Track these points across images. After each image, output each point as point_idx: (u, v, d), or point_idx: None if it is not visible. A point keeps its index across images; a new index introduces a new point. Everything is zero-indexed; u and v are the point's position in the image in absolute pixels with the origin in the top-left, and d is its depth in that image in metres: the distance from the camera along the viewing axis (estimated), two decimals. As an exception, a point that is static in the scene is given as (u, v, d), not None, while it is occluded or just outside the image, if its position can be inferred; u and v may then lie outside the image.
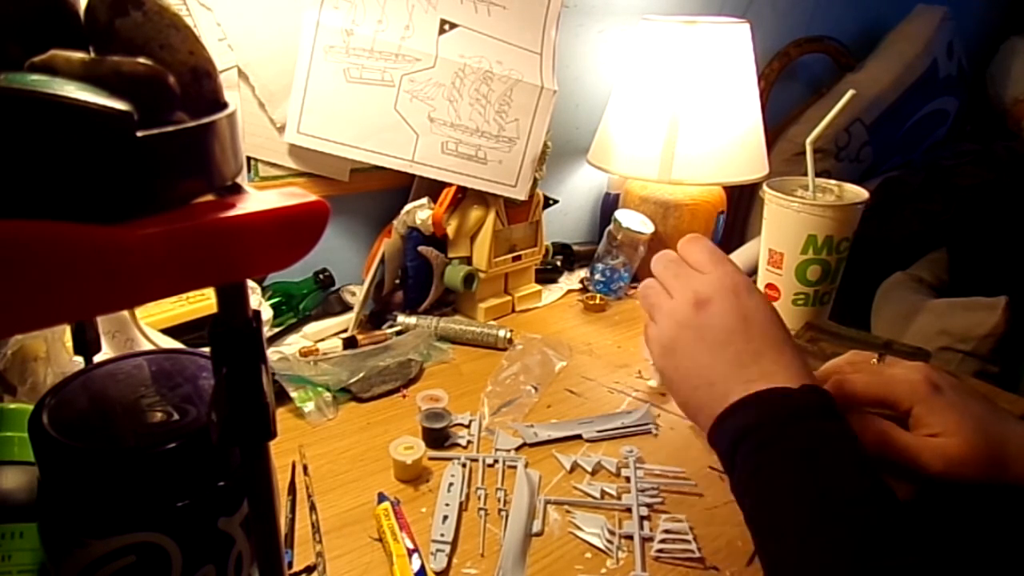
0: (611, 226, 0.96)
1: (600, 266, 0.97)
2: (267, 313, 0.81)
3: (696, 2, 1.22)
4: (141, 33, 0.26)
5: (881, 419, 0.62)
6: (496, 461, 0.62)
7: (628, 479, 0.60)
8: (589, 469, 0.62)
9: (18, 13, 0.26)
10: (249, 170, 0.84)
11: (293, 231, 0.27)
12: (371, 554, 0.52)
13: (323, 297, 0.89)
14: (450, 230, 0.86)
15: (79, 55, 0.24)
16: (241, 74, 0.80)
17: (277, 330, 0.83)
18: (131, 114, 0.23)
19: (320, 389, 0.70)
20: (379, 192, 0.94)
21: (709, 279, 0.57)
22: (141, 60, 0.25)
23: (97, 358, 0.39)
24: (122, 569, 0.32)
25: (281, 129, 0.83)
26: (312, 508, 0.56)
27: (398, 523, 0.53)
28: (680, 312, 0.57)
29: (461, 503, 0.57)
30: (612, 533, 0.54)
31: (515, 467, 0.61)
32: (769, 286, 0.89)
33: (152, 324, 0.67)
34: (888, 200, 1.38)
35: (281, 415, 0.68)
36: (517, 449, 0.64)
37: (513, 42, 0.84)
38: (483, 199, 0.87)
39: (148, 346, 0.63)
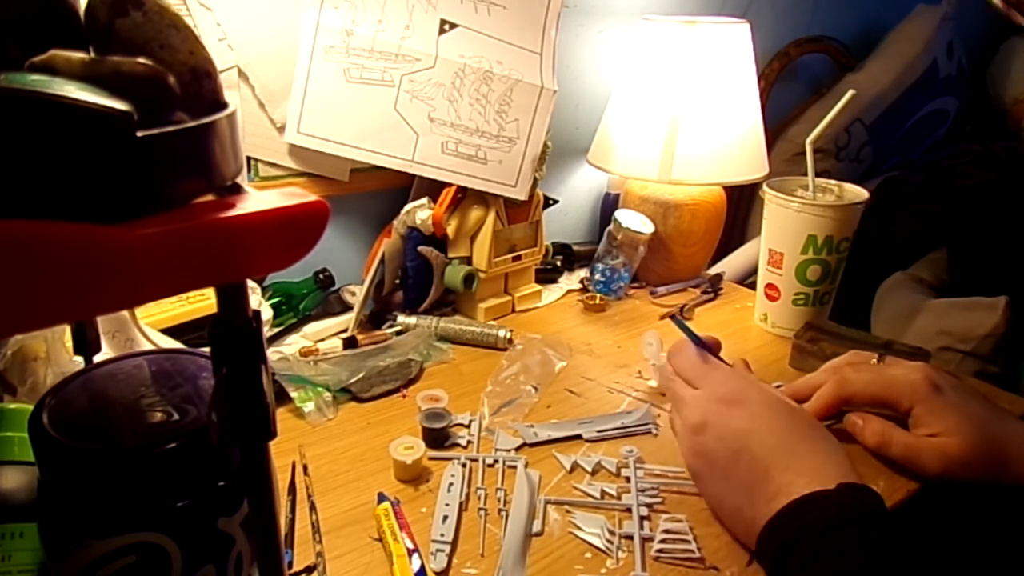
0: (611, 226, 0.96)
1: (600, 266, 0.97)
2: (267, 313, 0.81)
3: (696, 2, 1.22)
4: (141, 33, 0.26)
5: (881, 419, 0.62)
6: (496, 461, 0.62)
7: (628, 479, 0.60)
8: (589, 469, 0.62)
9: (18, 13, 0.26)
10: (249, 170, 0.84)
11: (293, 231, 0.27)
12: (371, 554, 0.52)
13: (323, 297, 0.89)
14: (450, 230, 0.86)
15: (79, 55, 0.24)
16: (241, 74, 0.80)
17: (277, 330, 0.83)
18: (131, 114, 0.23)
19: (320, 389, 0.70)
20: (379, 192, 0.94)
21: (699, 399, 0.57)
22: (141, 60, 0.25)
23: (97, 358, 0.39)
24: (122, 569, 0.32)
25: (281, 129, 0.83)
26: (312, 508, 0.56)
27: (398, 523, 0.53)
28: (688, 440, 0.57)
29: (461, 503, 0.57)
30: (612, 533, 0.54)
31: (515, 467, 0.61)
32: (769, 286, 0.89)
33: (152, 324, 0.67)
34: (888, 200, 1.38)
35: (281, 415, 0.68)
36: (517, 449, 0.64)
37: (513, 42, 0.84)
38: (483, 199, 0.87)
39: (148, 346, 0.63)
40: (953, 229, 1.33)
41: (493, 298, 0.91)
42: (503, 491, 0.59)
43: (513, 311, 0.93)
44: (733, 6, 1.28)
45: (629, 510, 0.57)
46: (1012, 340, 1.05)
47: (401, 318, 0.85)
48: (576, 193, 1.19)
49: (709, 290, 1.00)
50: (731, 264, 1.22)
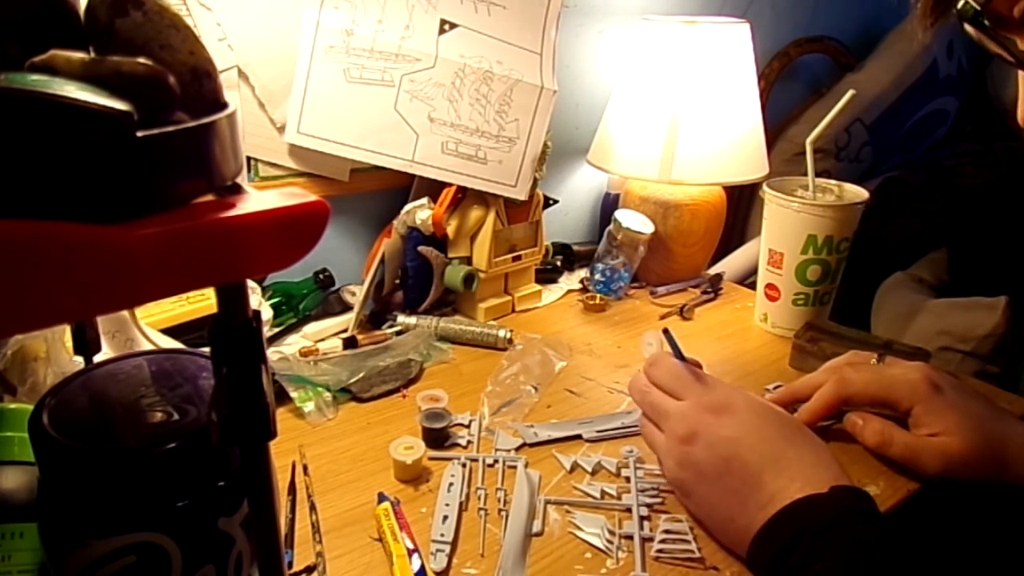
0: (611, 226, 0.96)
1: (600, 266, 0.97)
2: (267, 313, 0.81)
3: (696, 2, 1.22)
4: (141, 33, 0.26)
5: (881, 419, 0.62)
6: (496, 461, 0.62)
7: (628, 479, 0.60)
8: (589, 469, 0.62)
9: (18, 13, 0.26)
10: (249, 170, 0.84)
11: (293, 231, 0.27)
12: (371, 554, 0.52)
13: (323, 297, 0.89)
14: (450, 230, 0.86)
15: (79, 55, 0.24)
16: (241, 74, 0.80)
17: (277, 330, 0.83)
18: (131, 114, 0.23)
19: (320, 389, 0.70)
20: (379, 192, 0.94)
21: (685, 408, 0.56)
22: (141, 60, 0.25)
23: (97, 358, 0.39)
24: (122, 569, 0.32)
25: (281, 129, 0.83)
26: (312, 508, 0.56)
27: (398, 523, 0.53)
28: (674, 452, 0.56)
29: (461, 503, 0.57)
30: (612, 533, 0.54)
31: (515, 467, 0.61)
32: (769, 286, 0.89)
33: (152, 324, 0.67)
34: (888, 200, 1.38)
35: (281, 415, 0.68)
36: (517, 449, 0.64)
37: (513, 42, 0.84)
38: (483, 199, 0.87)
39: (148, 346, 0.63)
40: (953, 229, 1.33)
41: (493, 298, 0.91)
42: (503, 491, 0.59)
43: (513, 311, 0.93)
44: (733, 6, 1.28)
45: (629, 510, 0.57)
46: (1012, 340, 1.05)
47: (401, 318, 0.85)
48: (576, 193, 1.19)
49: (709, 290, 1.00)
50: (731, 264, 1.22)
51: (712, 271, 1.06)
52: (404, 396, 0.73)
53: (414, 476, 0.60)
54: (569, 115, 1.12)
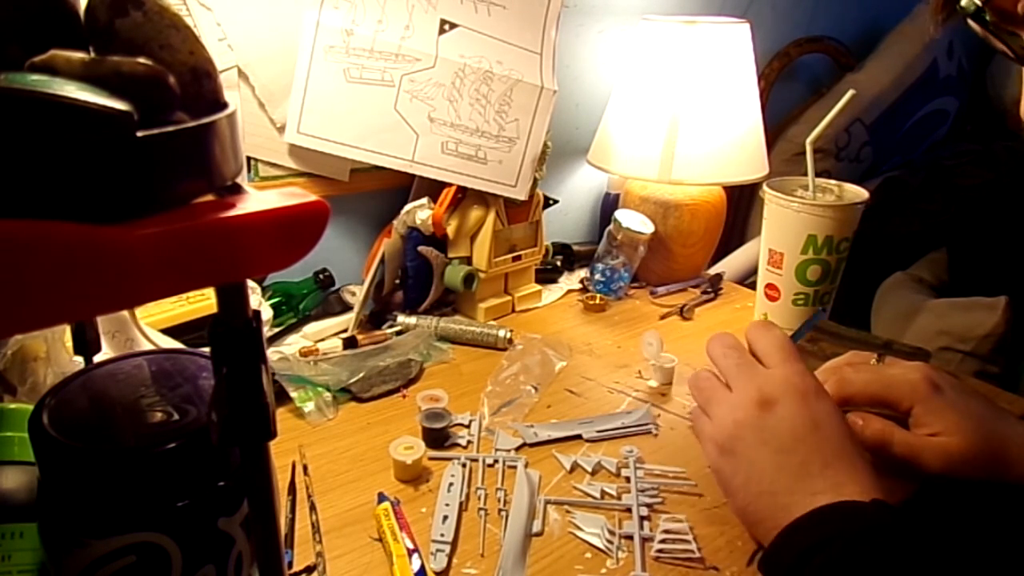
0: (611, 226, 0.96)
1: (600, 266, 0.97)
2: (267, 313, 0.81)
3: (696, 2, 1.22)
4: (141, 33, 0.26)
5: (881, 419, 0.62)
6: (496, 461, 0.62)
7: (628, 479, 0.60)
8: (589, 469, 0.62)
9: (18, 13, 0.26)
10: (249, 170, 0.84)
11: (293, 231, 0.27)
12: (371, 554, 0.52)
13: (323, 297, 0.89)
14: (450, 230, 0.86)
15: (79, 55, 0.24)
16: (241, 74, 0.80)
17: (277, 330, 0.83)
18: (131, 114, 0.23)
19: (320, 389, 0.70)
20: (379, 192, 0.94)
21: (776, 376, 0.54)
22: (141, 60, 0.25)
23: (97, 358, 0.39)
24: (122, 569, 0.32)
25: (281, 129, 0.83)
26: (312, 508, 0.56)
27: (398, 523, 0.53)
28: (741, 410, 0.53)
29: (461, 503, 0.57)
30: (612, 533, 0.54)
31: (515, 467, 0.61)
32: (769, 286, 0.89)
33: (152, 324, 0.67)
34: (888, 200, 1.38)
35: (281, 415, 0.68)
36: (517, 449, 0.64)
37: (513, 42, 0.84)
38: (483, 199, 0.87)
39: (148, 346, 0.63)
40: (953, 229, 1.33)
41: (493, 298, 0.91)
42: (503, 491, 0.59)
43: (513, 311, 0.93)
44: (733, 6, 1.28)
45: (629, 510, 0.57)
46: (1012, 340, 1.05)
47: (401, 318, 0.85)
48: (576, 193, 1.19)
49: (709, 290, 1.00)
50: (731, 264, 1.22)
51: (712, 271, 1.06)
52: (404, 396, 0.73)
53: (414, 476, 0.60)
54: (569, 115, 1.12)
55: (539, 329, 0.88)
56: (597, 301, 0.94)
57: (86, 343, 0.38)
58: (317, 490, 0.58)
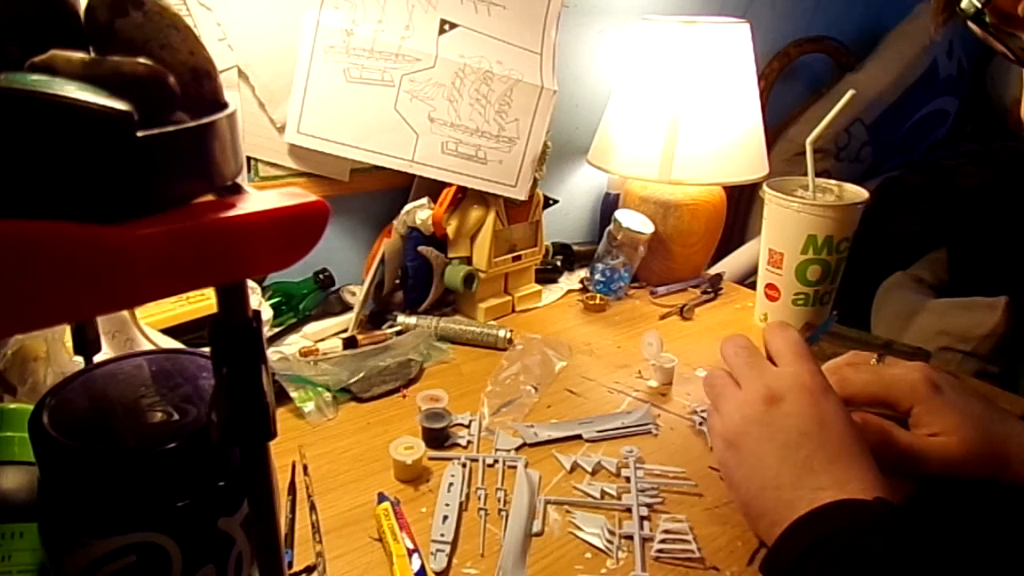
0: (611, 226, 0.96)
1: (600, 266, 0.97)
2: (267, 313, 0.81)
3: (696, 2, 1.22)
4: (141, 33, 0.26)
5: (881, 419, 0.62)
6: (496, 461, 0.62)
7: (628, 479, 0.60)
8: (589, 469, 0.62)
9: (18, 13, 0.26)
10: (249, 170, 0.84)
11: (293, 231, 0.27)
12: (371, 554, 0.52)
13: (323, 297, 0.89)
14: (450, 230, 0.86)
15: (79, 55, 0.24)
16: (241, 74, 0.80)
17: (277, 330, 0.83)
18: (131, 114, 0.23)
19: (320, 389, 0.70)
20: (379, 192, 0.94)
21: (785, 374, 0.55)
22: (141, 60, 0.25)
23: (97, 358, 0.39)
24: (122, 569, 0.32)
25: (281, 129, 0.83)
26: (312, 508, 0.56)
27: (398, 523, 0.53)
28: (750, 405, 0.54)
29: (461, 503, 0.57)
30: (612, 533, 0.54)
31: (515, 467, 0.61)
32: (769, 286, 0.89)
33: (152, 324, 0.67)
34: (888, 200, 1.38)
35: (281, 415, 0.68)
36: (517, 449, 0.64)
37: (513, 42, 0.84)
38: (483, 199, 0.87)
39: (148, 346, 0.63)
40: (953, 229, 1.33)
41: (493, 298, 0.91)
42: (503, 491, 0.59)
43: (513, 311, 0.93)
44: (733, 6, 1.28)
45: (629, 510, 0.57)
46: (1012, 340, 1.05)
47: (401, 318, 0.85)
48: (576, 193, 1.19)
49: (709, 290, 1.00)
50: (731, 264, 1.22)
51: (712, 271, 1.06)
52: (404, 396, 0.73)
53: (414, 476, 0.60)
54: (569, 115, 1.12)
55: (539, 329, 0.88)
56: (597, 301, 0.94)
57: (86, 343, 0.38)
58: (317, 490, 0.58)
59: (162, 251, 0.24)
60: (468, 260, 0.88)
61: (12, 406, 0.44)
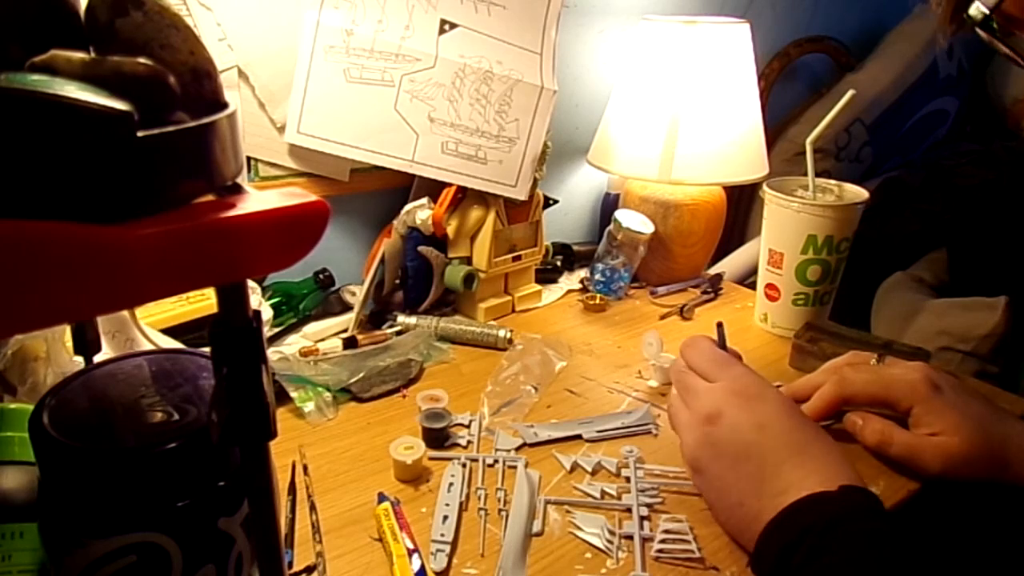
0: (611, 226, 0.96)
1: (600, 266, 0.97)
2: (267, 313, 0.81)
3: (696, 2, 1.22)
4: (141, 33, 0.26)
5: (881, 418, 0.62)
6: (496, 461, 0.62)
7: (628, 479, 0.60)
8: (589, 469, 0.62)
9: (18, 13, 0.26)
10: (249, 170, 0.84)
11: (293, 231, 0.27)
12: (371, 554, 0.52)
13: (323, 297, 0.89)
14: (450, 230, 0.86)
15: (79, 55, 0.24)
16: (241, 74, 0.80)
17: (277, 330, 0.83)
18: (131, 114, 0.23)
19: (320, 389, 0.70)
20: (379, 192, 0.94)
21: (716, 389, 0.56)
22: (141, 60, 0.25)
23: (97, 358, 0.39)
24: (122, 569, 0.32)
25: (281, 129, 0.83)
26: (312, 508, 0.56)
27: (398, 523, 0.53)
28: (696, 429, 0.56)
29: (461, 503, 0.57)
30: (612, 533, 0.54)
31: (515, 467, 0.61)
32: (769, 286, 0.89)
33: (152, 324, 0.67)
34: (888, 200, 1.38)
35: (281, 415, 0.68)
36: (517, 449, 0.64)
37: (513, 42, 0.84)
38: (483, 199, 0.87)
39: (148, 346, 0.63)
40: (953, 229, 1.33)
41: (493, 298, 0.91)
42: (503, 491, 0.59)
43: (513, 311, 0.93)
44: (733, 6, 1.28)
45: (629, 510, 0.57)
46: (1012, 340, 1.05)
47: (401, 318, 0.85)
48: (576, 193, 1.19)
49: (709, 290, 1.00)
50: (731, 264, 1.22)
51: (712, 271, 1.06)
52: (404, 396, 0.73)
53: (414, 476, 0.60)
54: (569, 115, 1.12)
55: (539, 329, 0.88)
56: (597, 301, 0.94)
57: (86, 343, 0.38)
58: (317, 490, 0.58)
59: (162, 251, 0.24)
60: (468, 260, 0.88)
61: (12, 406, 0.44)
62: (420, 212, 0.85)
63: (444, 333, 0.84)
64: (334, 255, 0.94)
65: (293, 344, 0.81)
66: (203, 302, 0.72)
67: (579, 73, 1.11)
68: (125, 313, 0.62)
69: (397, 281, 0.88)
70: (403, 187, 0.93)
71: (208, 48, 0.28)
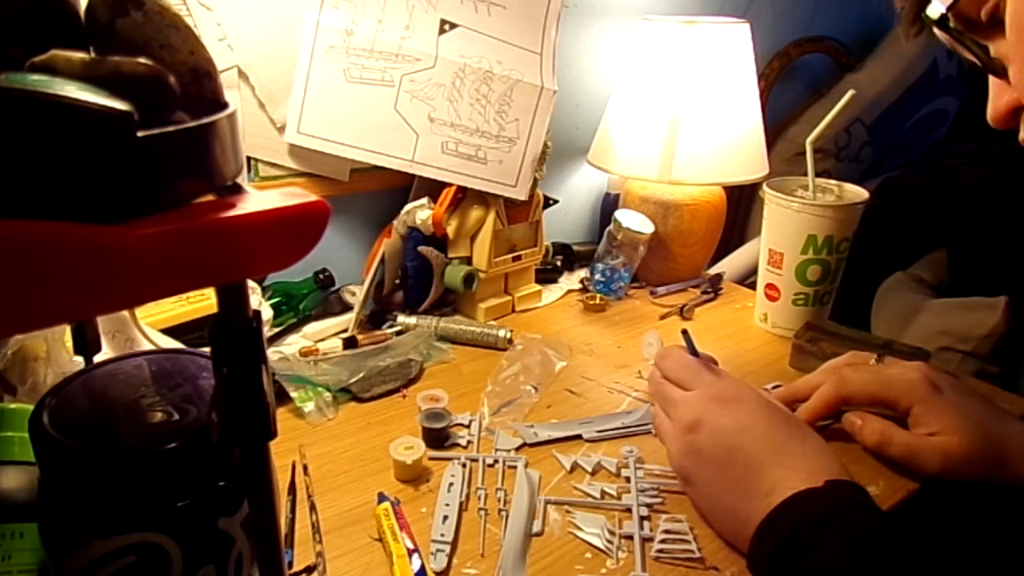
0: (611, 226, 0.96)
1: (600, 266, 0.97)
2: (267, 313, 0.81)
3: (696, 2, 1.22)
4: (141, 33, 0.26)
5: (880, 418, 0.62)
6: (496, 461, 0.62)
7: (628, 479, 0.60)
8: (589, 469, 0.62)
9: (18, 13, 0.26)
10: (249, 170, 0.84)
11: (293, 231, 0.27)
12: (371, 554, 0.52)
13: (323, 297, 0.89)
14: (450, 230, 0.86)
15: (79, 55, 0.24)
16: (241, 74, 0.80)
17: (277, 330, 0.83)
18: (131, 114, 0.23)
19: (320, 389, 0.70)
20: (379, 192, 0.94)
21: (692, 397, 0.57)
22: (141, 60, 0.25)
23: (97, 358, 0.39)
24: (122, 569, 0.32)
25: (281, 129, 0.83)
26: (312, 508, 0.56)
27: (398, 523, 0.53)
28: (679, 439, 0.56)
29: (461, 503, 0.57)
30: (612, 533, 0.54)
31: (515, 467, 0.61)
32: (769, 286, 0.89)
33: (152, 324, 0.67)
34: (888, 200, 1.38)
35: (281, 415, 0.68)
36: (517, 449, 0.64)
37: (513, 42, 0.84)
38: (483, 199, 0.87)
39: (148, 346, 0.63)
40: (953, 229, 1.33)
41: (493, 298, 0.91)
42: (503, 491, 0.59)
43: (513, 311, 0.93)
44: (733, 6, 1.28)
45: (629, 510, 0.57)
46: (1012, 340, 1.05)
47: (401, 318, 0.85)
48: (576, 193, 1.19)
49: (709, 290, 1.00)
50: (731, 264, 1.22)
51: (712, 271, 1.06)
52: (404, 396, 0.73)
53: (414, 476, 0.60)
54: (569, 115, 1.12)
55: (539, 329, 0.88)
56: (597, 301, 0.94)
57: (86, 343, 0.38)
58: (317, 490, 0.58)
59: (162, 251, 0.24)
60: (468, 260, 0.88)
61: (12, 406, 0.44)
62: (420, 212, 0.85)
63: (444, 333, 0.84)
64: (334, 255, 0.94)
65: (293, 344, 0.81)
66: (203, 302, 0.72)
67: (579, 73, 1.11)
68: (125, 313, 0.62)
69: (397, 281, 0.88)
70: (403, 187, 0.93)
71: (208, 48, 0.28)
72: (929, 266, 1.28)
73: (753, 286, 0.95)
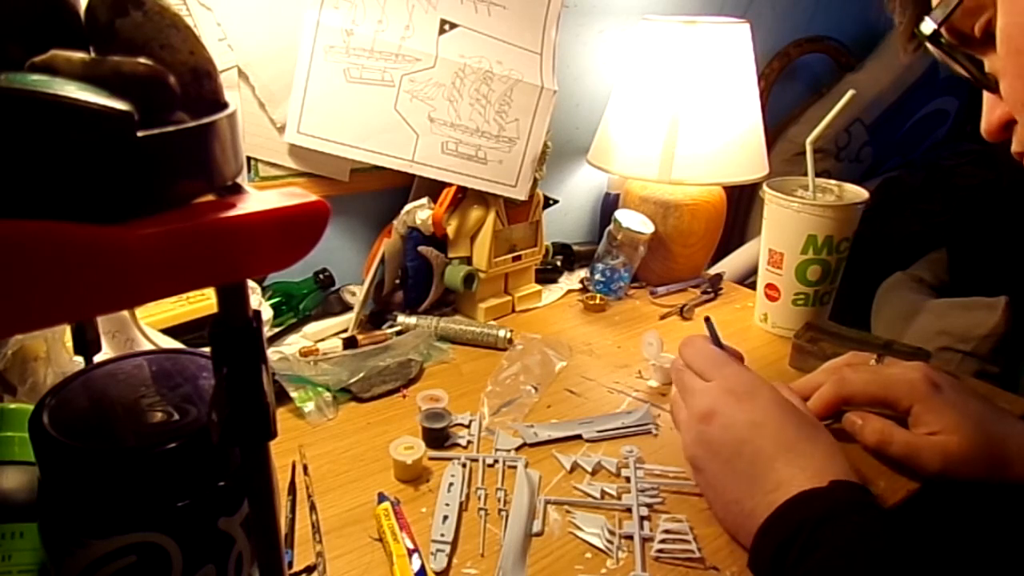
0: (611, 226, 0.96)
1: (600, 266, 0.97)
2: (267, 313, 0.81)
3: (696, 2, 1.22)
4: (141, 33, 0.26)
5: (881, 418, 0.62)
6: (496, 461, 0.62)
7: (628, 479, 0.60)
8: (589, 469, 0.62)
9: (18, 13, 0.26)
10: (249, 170, 0.84)
11: (293, 231, 0.27)
12: (371, 554, 0.52)
13: (323, 297, 0.89)
14: (450, 230, 0.86)
15: (79, 55, 0.24)
16: (241, 74, 0.80)
17: (277, 330, 0.83)
18: (131, 114, 0.23)
19: (320, 389, 0.70)
20: (379, 192, 0.94)
21: (711, 388, 0.57)
22: (141, 60, 0.25)
23: (97, 358, 0.39)
24: (122, 569, 0.32)
25: (281, 129, 0.83)
26: (312, 508, 0.56)
27: (398, 523, 0.53)
28: (692, 428, 0.57)
29: (461, 503, 0.57)
30: (612, 533, 0.54)
31: (515, 467, 0.61)
32: (769, 286, 0.89)
33: (152, 324, 0.67)
34: (888, 200, 1.38)
35: (281, 415, 0.68)
36: (517, 449, 0.64)
37: (513, 42, 0.84)
38: (483, 199, 0.87)
39: (148, 346, 0.63)
40: (953, 229, 1.33)
41: (493, 298, 0.91)
42: (503, 491, 0.59)
43: (513, 311, 0.93)
44: (733, 6, 1.28)
45: (629, 510, 0.57)
46: (1012, 340, 1.05)
47: (401, 318, 0.85)
48: (576, 193, 1.19)
49: (709, 290, 1.00)
50: (731, 264, 1.22)
51: (712, 271, 1.06)
52: (404, 396, 0.73)
53: (414, 476, 0.60)
54: (569, 115, 1.12)
55: (539, 329, 0.88)
56: (597, 301, 0.94)
57: (86, 343, 0.38)
58: (317, 490, 0.58)
59: (162, 251, 0.24)
60: (468, 260, 0.88)
61: (12, 406, 0.44)
62: (420, 212, 0.85)
63: (444, 333, 0.84)
64: (334, 255, 0.94)
65: (293, 344, 0.81)
66: (203, 302, 0.72)
67: (579, 73, 1.11)
68: (125, 313, 0.62)
69: (397, 281, 0.88)
70: (403, 187, 0.93)
71: (208, 48, 0.28)
72: (929, 266, 1.28)
73: (753, 286, 0.95)
